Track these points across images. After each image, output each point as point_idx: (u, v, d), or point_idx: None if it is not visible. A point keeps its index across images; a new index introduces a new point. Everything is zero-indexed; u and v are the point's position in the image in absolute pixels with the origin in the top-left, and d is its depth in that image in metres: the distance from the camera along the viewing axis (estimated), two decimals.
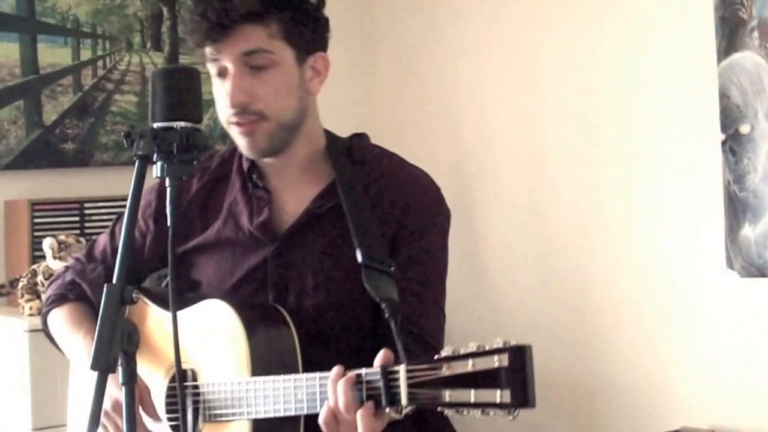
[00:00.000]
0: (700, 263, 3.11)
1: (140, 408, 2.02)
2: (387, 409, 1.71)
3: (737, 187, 2.98)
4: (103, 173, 3.77)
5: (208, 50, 2.01)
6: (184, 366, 1.99)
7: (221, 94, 2.02)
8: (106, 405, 2.01)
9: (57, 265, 3.20)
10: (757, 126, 2.93)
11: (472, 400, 1.59)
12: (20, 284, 3.36)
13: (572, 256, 3.50)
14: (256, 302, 2.05)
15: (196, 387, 1.99)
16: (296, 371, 1.92)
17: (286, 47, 2.02)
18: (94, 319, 2.14)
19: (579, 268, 3.48)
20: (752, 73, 2.93)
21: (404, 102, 4.11)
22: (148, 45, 3.97)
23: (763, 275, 2.93)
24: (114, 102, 3.89)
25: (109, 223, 2.29)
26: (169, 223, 1.66)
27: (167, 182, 1.67)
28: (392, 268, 1.96)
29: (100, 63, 3.88)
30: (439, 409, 1.64)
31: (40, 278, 3.32)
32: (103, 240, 2.28)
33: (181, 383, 1.65)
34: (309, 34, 2.05)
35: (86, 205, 3.57)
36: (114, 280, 1.60)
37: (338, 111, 3.99)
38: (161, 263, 2.21)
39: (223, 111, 2.02)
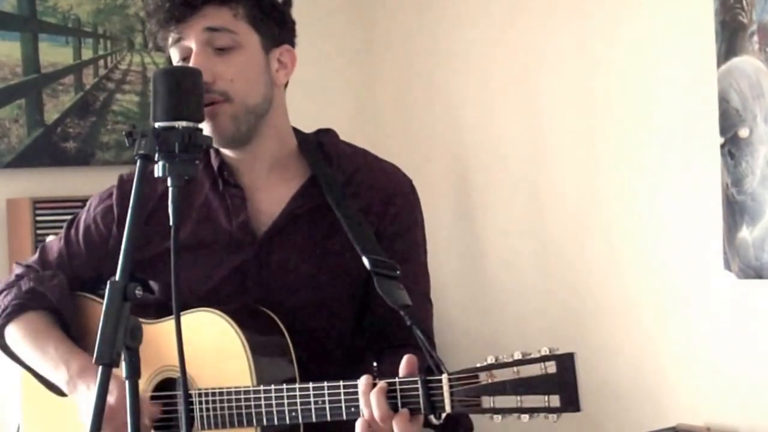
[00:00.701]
0: (698, 265, 3.12)
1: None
2: (430, 416, 1.74)
3: (735, 190, 2.98)
4: (104, 172, 3.78)
5: (171, 32, 1.99)
6: (172, 374, 1.99)
7: None
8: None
9: None
10: (755, 130, 2.94)
11: (518, 405, 1.65)
12: None
13: (571, 256, 3.51)
14: (246, 307, 2.02)
15: (190, 396, 1.95)
16: (293, 376, 1.92)
17: (251, 31, 2.01)
18: (60, 328, 2.12)
19: (578, 268, 3.49)
20: (751, 77, 2.94)
21: (405, 104, 4.12)
22: (150, 45, 3.95)
23: (760, 277, 2.94)
24: (115, 101, 3.90)
25: None
26: (171, 223, 1.65)
27: (169, 182, 1.66)
28: (398, 272, 1.94)
29: (101, 62, 3.89)
30: (484, 414, 1.68)
31: None
32: (56, 246, 2.20)
33: (186, 388, 1.64)
34: (275, 25, 2.04)
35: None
36: (117, 277, 1.59)
37: (340, 114, 4.02)
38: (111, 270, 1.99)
39: None
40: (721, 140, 3.01)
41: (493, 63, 3.75)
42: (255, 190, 2.08)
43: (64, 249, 2.18)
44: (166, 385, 2.02)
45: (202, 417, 1.94)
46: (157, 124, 1.68)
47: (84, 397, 2.02)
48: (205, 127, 1.97)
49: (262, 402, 1.88)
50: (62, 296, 2.14)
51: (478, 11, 3.79)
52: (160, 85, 1.68)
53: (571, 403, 1.63)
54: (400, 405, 1.75)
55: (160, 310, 2.03)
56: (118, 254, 1.60)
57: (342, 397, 1.81)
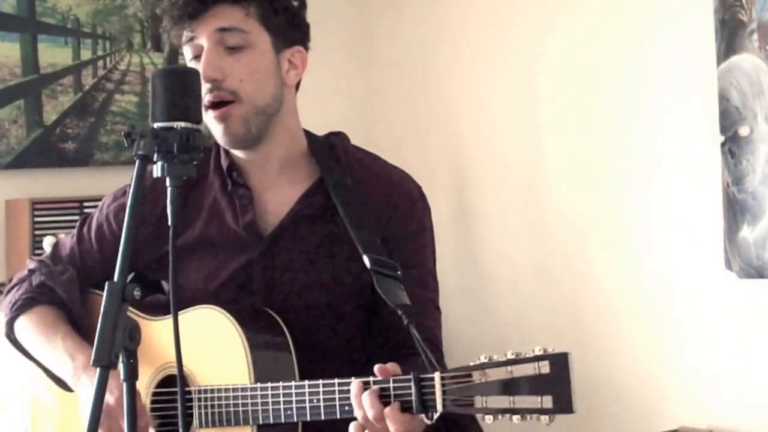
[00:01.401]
0: (698, 264, 3.11)
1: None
2: (420, 415, 1.73)
3: (736, 189, 2.98)
4: (103, 173, 3.78)
5: (184, 30, 1.99)
6: (174, 372, 1.98)
7: None
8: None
9: None
10: (756, 128, 2.93)
11: (511, 406, 1.63)
12: None
13: (571, 257, 3.51)
14: (248, 306, 2.03)
15: (189, 393, 1.97)
16: (293, 377, 1.92)
17: (262, 31, 2.01)
18: (69, 322, 2.14)
19: (578, 269, 3.49)
20: (751, 75, 2.93)
21: (403, 109, 4.11)
22: (149, 45, 3.97)
23: (761, 276, 2.94)
24: (114, 102, 3.90)
25: None
26: (170, 223, 1.65)
27: (167, 182, 1.66)
28: (399, 272, 1.95)
29: (100, 63, 3.89)
30: (476, 414, 1.67)
31: None
32: (68, 242, 2.22)
33: (182, 387, 1.64)
34: (287, 26, 2.04)
35: (86, 204, 3.57)
36: (116, 278, 1.59)
37: (337, 118, 4.00)
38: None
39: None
40: (722, 139, 3.00)
41: (491, 64, 3.74)
42: (263, 191, 2.08)
43: (76, 246, 2.20)
44: (169, 381, 2.03)
45: (200, 415, 1.95)
46: (155, 125, 1.68)
47: (86, 390, 2.03)
48: (216, 131, 2.00)
49: (259, 400, 1.89)
50: (71, 292, 2.15)
51: (477, 17, 3.79)
52: (159, 85, 1.69)
53: (563, 403, 1.60)
54: (392, 402, 1.75)
55: (169, 309, 2.03)
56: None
57: (336, 396, 1.81)
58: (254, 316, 2.00)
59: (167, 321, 2.00)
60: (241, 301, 2.03)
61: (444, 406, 1.69)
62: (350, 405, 1.79)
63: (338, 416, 1.81)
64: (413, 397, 1.72)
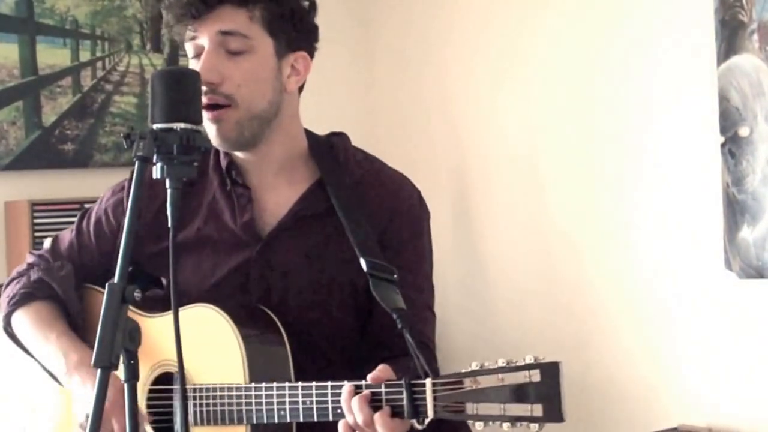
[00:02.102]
0: (698, 264, 3.11)
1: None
2: (413, 421, 1.73)
3: (736, 189, 2.98)
4: (102, 174, 3.77)
5: (186, 28, 1.98)
6: (171, 369, 2.00)
7: None
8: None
9: None
10: (756, 129, 2.93)
11: (501, 413, 1.64)
12: None
13: (572, 257, 3.51)
14: (244, 305, 2.02)
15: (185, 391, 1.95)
16: (289, 377, 1.92)
17: (265, 36, 1.99)
18: (65, 319, 2.14)
19: (579, 269, 3.49)
20: (752, 75, 2.93)
21: (404, 107, 4.11)
22: (148, 46, 3.97)
23: (761, 276, 2.94)
24: (113, 103, 3.90)
25: None
26: (170, 225, 1.65)
27: (167, 183, 1.65)
28: (395, 276, 1.94)
29: (99, 64, 3.88)
30: (466, 421, 1.68)
31: None
32: (68, 236, 2.22)
33: (183, 384, 1.64)
34: (293, 30, 2.02)
35: (86, 205, 3.53)
36: (116, 279, 1.59)
37: (338, 117, 4.00)
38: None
39: None
40: (722, 139, 3.00)
41: (493, 65, 3.74)
42: (262, 191, 2.08)
43: (75, 240, 2.21)
44: (164, 378, 2.03)
45: (195, 413, 1.95)
46: (155, 126, 1.67)
47: (78, 389, 2.03)
48: (209, 131, 1.99)
49: (253, 400, 1.89)
50: (68, 288, 2.15)
51: (477, 15, 3.79)
52: (159, 86, 1.68)
53: (554, 412, 1.61)
54: (384, 407, 1.76)
55: (167, 305, 2.03)
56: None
57: (329, 398, 1.81)
58: (250, 314, 2.00)
59: (164, 318, 2.01)
60: (238, 300, 2.03)
61: (435, 411, 1.70)
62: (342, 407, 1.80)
63: (331, 419, 1.81)
64: (404, 403, 1.73)
